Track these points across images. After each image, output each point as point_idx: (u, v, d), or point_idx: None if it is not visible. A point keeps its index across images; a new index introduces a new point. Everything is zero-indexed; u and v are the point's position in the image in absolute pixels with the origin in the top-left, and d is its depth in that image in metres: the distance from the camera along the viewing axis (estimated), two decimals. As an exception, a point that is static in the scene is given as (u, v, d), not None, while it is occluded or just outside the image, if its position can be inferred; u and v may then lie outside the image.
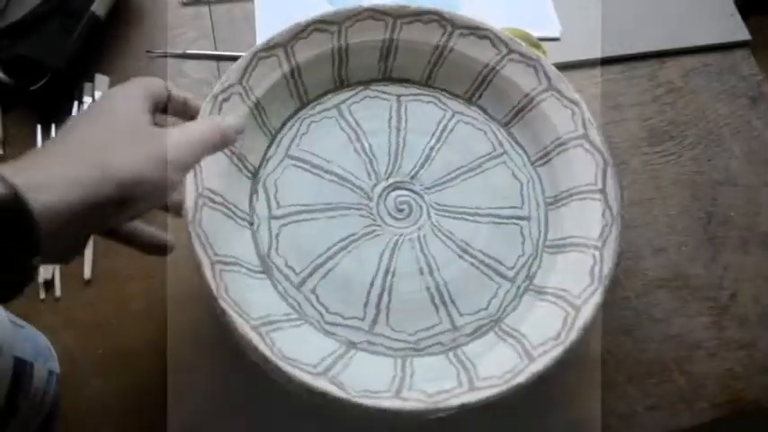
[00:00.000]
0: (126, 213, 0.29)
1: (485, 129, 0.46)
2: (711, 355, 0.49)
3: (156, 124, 0.32)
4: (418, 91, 0.47)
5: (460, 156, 0.45)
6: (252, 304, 0.36)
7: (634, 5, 0.62)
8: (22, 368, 0.36)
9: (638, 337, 0.49)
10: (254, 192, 0.41)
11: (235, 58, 0.53)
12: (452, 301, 0.40)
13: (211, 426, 0.43)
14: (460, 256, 0.41)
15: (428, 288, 0.40)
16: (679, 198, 0.54)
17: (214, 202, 0.38)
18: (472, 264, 0.41)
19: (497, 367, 0.37)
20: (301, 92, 0.44)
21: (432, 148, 0.44)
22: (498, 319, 0.40)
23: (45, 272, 0.46)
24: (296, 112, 0.44)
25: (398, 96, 0.46)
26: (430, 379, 0.36)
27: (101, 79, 0.53)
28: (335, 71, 0.45)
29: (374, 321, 0.39)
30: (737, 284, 0.51)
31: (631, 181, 0.54)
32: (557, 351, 0.36)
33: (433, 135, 0.45)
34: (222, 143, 0.33)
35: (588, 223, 0.42)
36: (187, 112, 0.37)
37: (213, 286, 0.34)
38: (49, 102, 0.50)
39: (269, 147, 0.43)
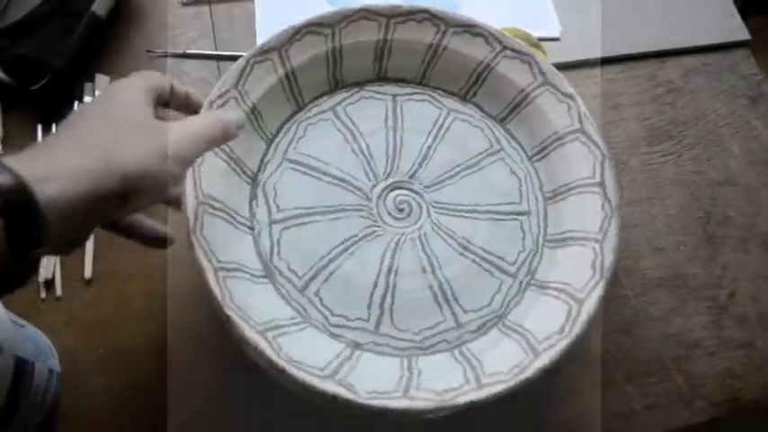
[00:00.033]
0: (129, 206, 0.30)
1: (481, 126, 0.46)
2: (710, 354, 0.49)
3: (157, 118, 0.32)
4: (413, 90, 0.47)
5: (458, 153, 0.45)
6: (256, 309, 0.36)
7: (634, 5, 0.62)
8: (22, 367, 0.36)
9: (636, 336, 0.49)
10: (253, 197, 0.41)
11: (235, 58, 0.53)
12: (455, 299, 0.40)
13: (211, 425, 0.43)
14: (462, 254, 0.41)
15: (431, 287, 0.40)
16: (678, 198, 0.54)
17: (214, 208, 0.38)
18: (474, 261, 0.41)
19: (503, 363, 0.37)
20: (297, 95, 0.44)
21: (429, 147, 0.44)
22: (502, 315, 0.40)
23: (46, 271, 0.46)
24: (292, 115, 0.44)
25: (394, 96, 0.46)
26: (437, 377, 0.36)
27: (101, 79, 0.53)
28: (330, 73, 0.45)
29: (379, 322, 0.39)
30: (736, 284, 0.51)
31: (630, 180, 0.54)
32: (562, 345, 0.37)
33: (429, 134, 0.45)
34: (223, 137, 0.34)
35: (587, 216, 0.42)
36: (189, 107, 0.37)
37: (218, 294, 0.34)
38: (50, 102, 0.51)
39: (266, 151, 0.43)
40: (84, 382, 0.43)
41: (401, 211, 0.42)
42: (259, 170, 0.42)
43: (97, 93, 0.52)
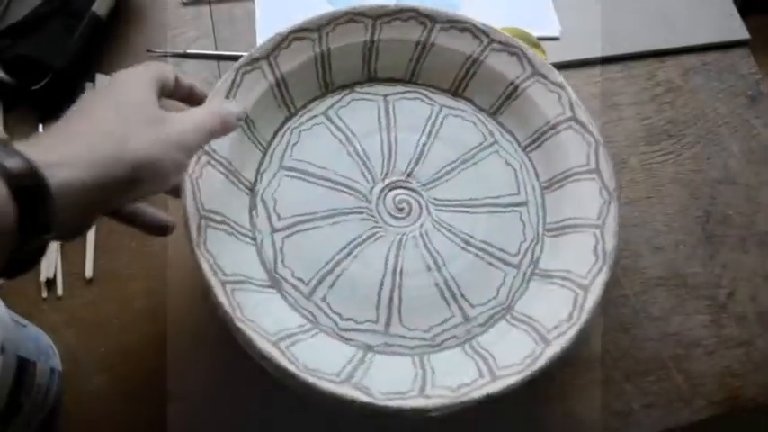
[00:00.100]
0: (134, 194, 0.30)
1: (473, 120, 0.46)
2: (709, 353, 0.49)
3: (161, 108, 0.32)
4: (404, 89, 0.47)
5: (453, 149, 0.45)
6: (266, 320, 0.36)
7: (633, 5, 0.62)
8: (24, 366, 0.37)
9: (636, 335, 0.49)
10: (252, 207, 0.41)
11: (235, 58, 0.53)
12: (462, 294, 0.40)
13: (212, 424, 0.43)
14: (464, 249, 0.42)
15: (437, 284, 0.40)
16: (677, 197, 0.54)
17: (216, 221, 0.38)
18: (477, 255, 0.42)
19: (515, 354, 0.37)
20: (288, 101, 0.44)
21: (424, 145, 0.45)
22: (509, 306, 0.41)
23: (47, 271, 0.46)
24: (285, 122, 0.44)
25: (385, 96, 0.46)
26: (450, 373, 0.37)
27: (102, 79, 0.53)
28: (320, 77, 0.45)
29: (388, 322, 0.39)
30: (735, 283, 0.51)
31: (630, 180, 0.55)
32: (572, 332, 0.37)
33: (423, 131, 0.45)
34: (223, 129, 0.34)
35: (585, 203, 0.42)
36: (193, 99, 0.37)
37: (228, 308, 0.34)
38: (51, 101, 0.51)
39: (262, 160, 0.42)
40: (85, 380, 0.43)
41: (401, 210, 0.42)
42: (256, 180, 0.42)
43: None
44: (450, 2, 0.60)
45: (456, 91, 0.47)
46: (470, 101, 0.47)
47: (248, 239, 0.40)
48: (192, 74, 0.55)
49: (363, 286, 0.40)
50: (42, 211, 0.25)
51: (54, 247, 0.47)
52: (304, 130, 0.44)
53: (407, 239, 0.41)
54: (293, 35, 0.43)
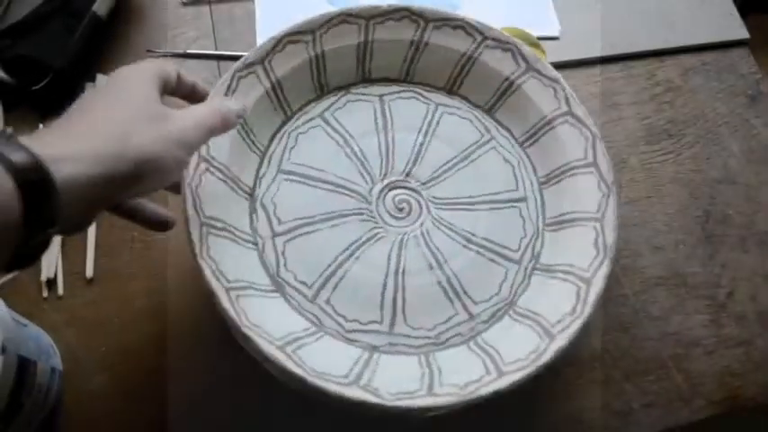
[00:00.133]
0: (136, 189, 0.30)
1: (470, 117, 0.46)
2: (709, 352, 0.49)
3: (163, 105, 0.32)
4: (399, 88, 0.47)
5: (450, 147, 0.45)
6: (272, 325, 0.36)
7: (633, 5, 0.62)
8: (25, 366, 0.37)
9: (635, 334, 0.49)
10: (253, 212, 0.41)
11: (235, 58, 0.53)
12: (465, 291, 0.41)
13: (212, 422, 0.43)
14: (465, 246, 0.42)
15: (439, 282, 0.41)
16: (677, 196, 0.54)
17: (217, 228, 0.38)
18: (478, 252, 0.42)
19: (520, 350, 0.37)
20: (284, 105, 0.44)
21: (421, 144, 0.45)
22: (511, 302, 0.41)
23: (48, 270, 0.46)
24: (281, 125, 0.44)
25: (380, 96, 0.46)
26: (457, 371, 0.37)
27: (102, 79, 0.53)
28: (315, 79, 0.45)
29: (392, 322, 0.39)
30: (735, 283, 0.52)
31: (630, 179, 0.55)
32: (575, 326, 0.37)
33: (420, 130, 0.45)
34: (223, 126, 0.34)
35: (584, 197, 0.42)
36: (195, 97, 0.37)
37: (233, 315, 0.34)
38: (51, 101, 0.51)
39: (260, 164, 0.42)
40: (85, 380, 0.43)
41: (401, 210, 0.43)
42: (255, 185, 0.42)
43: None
44: (450, 2, 0.60)
45: (451, 89, 0.47)
46: (466, 98, 0.47)
47: (250, 245, 0.40)
48: (192, 74, 0.55)
49: (366, 287, 0.40)
50: (48, 205, 0.26)
51: (55, 247, 0.47)
52: (301, 133, 0.44)
53: (408, 239, 0.41)
54: (287, 38, 0.43)
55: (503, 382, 0.35)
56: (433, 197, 0.43)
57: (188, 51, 0.56)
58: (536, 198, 0.44)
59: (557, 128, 0.44)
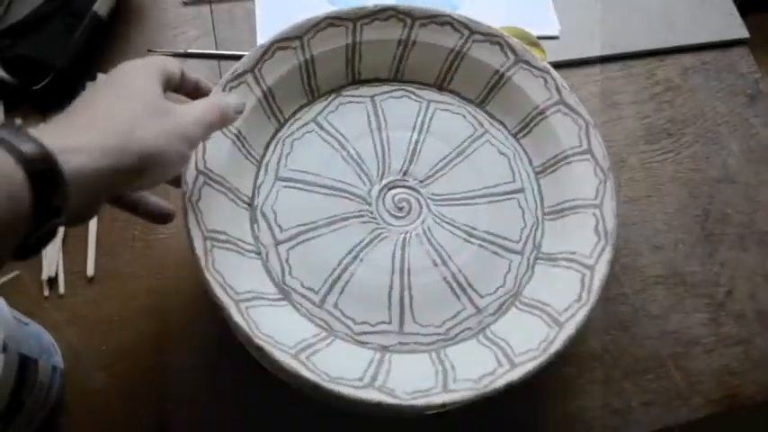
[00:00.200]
0: (139, 182, 0.31)
1: (462, 112, 0.46)
2: (708, 351, 0.49)
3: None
4: (390, 88, 0.47)
5: (445, 143, 0.45)
6: (283, 334, 0.36)
7: (633, 4, 0.62)
8: (26, 364, 0.37)
9: (635, 333, 0.49)
10: (254, 221, 0.41)
11: (236, 57, 0.54)
12: (470, 285, 0.41)
13: (213, 421, 0.43)
14: (467, 241, 0.42)
15: (444, 278, 0.41)
16: (676, 196, 0.54)
17: (220, 240, 0.38)
18: (480, 245, 0.42)
19: (531, 340, 0.37)
20: (276, 112, 0.44)
21: (416, 142, 0.45)
22: (517, 292, 0.41)
23: (49, 269, 0.46)
24: (275, 133, 0.44)
25: (372, 97, 0.46)
26: (469, 365, 0.37)
27: (103, 78, 0.53)
28: (305, 84, 0.45)
29: (401, 321, 0.39)
30: (734, 281, 0.52)
31: (629, 178, 0.55)
32: (582, 313, 0.38)
33: (413, 128, 0.45)
34: (222, 121, 0.35)
35: (581, 184, 0.43)
36: (198, 94, 0.38)
37: (245, 327, 0.34)
38: (52, 101, 0.51)
39: (257, 174, 0.42)
40: (86, 378, 0.44)
41: (401, 209, 0.43)
42: (254, 194, 0.42)
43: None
44: (450, 1, 0.60)
45: (441, 85, 0.47)
46: (457, 93, 0.47)
47: (253, 254, 0.40)
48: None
49: (373, 288, 0.40)
50: (56, 195, 0.26)
51: (56, 246, 0.47)
52: (296, 139, 0.44)
53: (411, 237, 0.42)
54: (276, 45, 0.43)
55: (517, 373, 0.35)
56: (432, 194, 0.43)
57: (189, 51, 0.56)
58: (533, 188, 0.45)
59: (549, 117, 0.45)
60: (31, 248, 0.27)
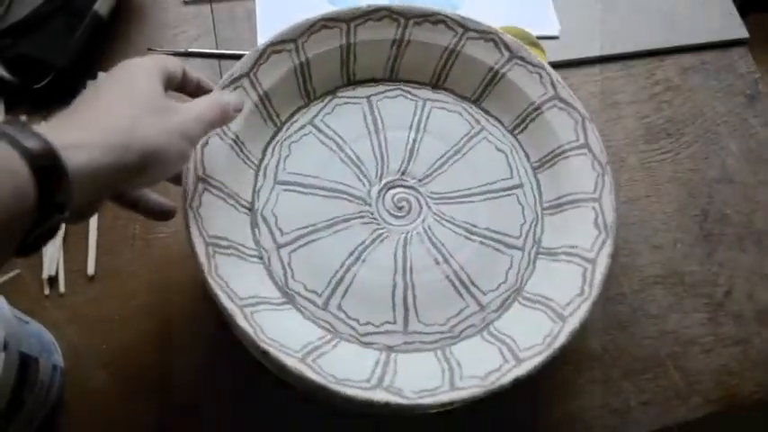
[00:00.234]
0: (140, 180, 0.31)
1: (458, 110, 0.47)
2: (706, 351, 0.49)
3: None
4: (385, 88, 0.47)
5: (442, 141, 0.45)
6: (288, 337, 0.36)
7: (633, 4, 0.62)
8: (27, 363, 0.37)
9: (633, 333, 0.49)
10: (254, 226, 0.41)
11: (236, 57, 0.54)
12: (473, 282, 0.41)
13: (213, 421, 0.43)
14: (468, 238, 0.42)
15: (447, 276, 0.41)
16: (676, 195, 0.54)
17: (222, 246, 0.38)
18: (481, 242, 0.42)
19: (535, 335, 0.38)
20: (273, 115, 0.44)
21: (413, 141, 0.45)
22: (519, 288, 0.41)
23: (49, 268, 0.46)
24: (273, 136, 0.44)
25: (368, 97, 0.46)
26: (475, 362, 0.37)
27: (103, 77, 0.53)
28: (301, 87, 0.45)
29: (406, 321, 0.39)
30: (732, 281, 0.52)
31: (628, 178, 0.55)
32: (585, 306, 0.38)
33: (410, 128, 0.45)
34: (221, 119, 0.35)
35: (579, 178, 0.43)
36: (200, 93, 0.38)
37: (251, 332, 0.34)
38: (53, 100, 0.51)
39: (256, 178, 0.42)
40: (87, 377, 0.44)
41: (401, 209, 0.43)
42: (254, 199, 0.41)
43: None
44: (450, 1, 0.60)
45: (436, 83, 0.48)
46: (452, 91, 0.47)
47: (255, 259, 0.40)
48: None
49: (376, 289, 0.40)
50: (60, 191, 0.26)
51: (56, 245, 0.47)
52: (293, 142, 0.44)
53: (412, 236, 0.42)
54: (270, 48, 0.43)
55: (523, 369, 0.35)
56: (431, 193, 0.43)
57: (189, 50, 0.56)
58: (531, 183, 0.45)
59: (545, 112, 0.45)
60: (32, 245, 0.27)
